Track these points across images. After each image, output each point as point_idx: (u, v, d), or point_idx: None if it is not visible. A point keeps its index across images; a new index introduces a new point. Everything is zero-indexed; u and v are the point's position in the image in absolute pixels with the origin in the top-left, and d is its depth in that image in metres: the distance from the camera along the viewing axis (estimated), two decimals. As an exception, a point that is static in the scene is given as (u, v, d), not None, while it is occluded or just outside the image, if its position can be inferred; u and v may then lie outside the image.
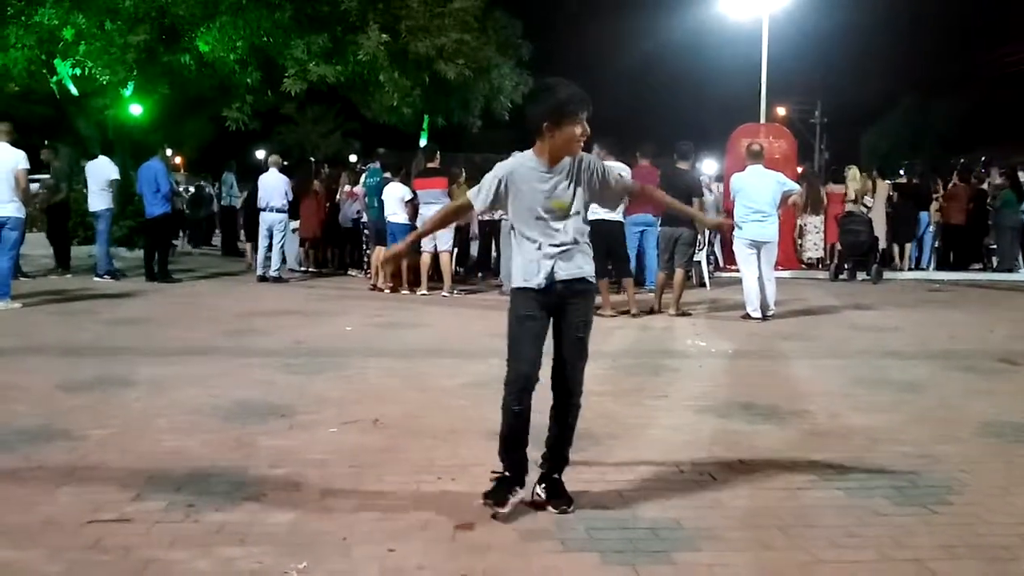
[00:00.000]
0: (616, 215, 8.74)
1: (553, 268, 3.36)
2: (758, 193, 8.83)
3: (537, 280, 3.36)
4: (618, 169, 9.18)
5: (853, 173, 14.51)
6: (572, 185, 3.40)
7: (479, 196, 3.49)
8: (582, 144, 3.38)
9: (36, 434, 4.36)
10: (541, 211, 3.36)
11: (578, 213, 3.42)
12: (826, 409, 5.15)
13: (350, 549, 3.06)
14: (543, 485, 3.48)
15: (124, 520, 3.26)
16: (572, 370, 3.43)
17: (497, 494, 3.35)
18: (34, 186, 12.58)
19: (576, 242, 3.40)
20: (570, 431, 3.50)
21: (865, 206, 13.69)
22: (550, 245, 3.37)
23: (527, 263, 3.39)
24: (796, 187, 9.64)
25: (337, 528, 3.22)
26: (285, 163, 13.44)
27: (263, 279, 12.19)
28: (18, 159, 8.89)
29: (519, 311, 3.38)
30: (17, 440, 4.27)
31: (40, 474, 3.78)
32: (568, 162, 3.40)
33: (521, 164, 3.42)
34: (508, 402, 3.36)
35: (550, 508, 3.41)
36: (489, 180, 3.46)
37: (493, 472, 3.44)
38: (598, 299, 9.26)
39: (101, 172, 12.03)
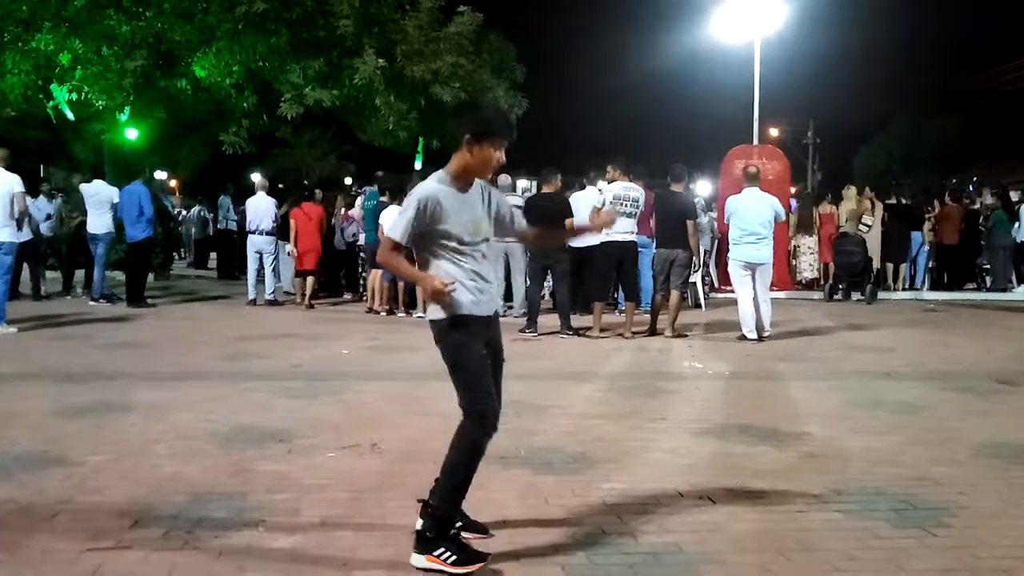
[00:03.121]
0: (630, 235, 8.83)
1: (494, 296, 3.35)
2: (752, 215, 8.89)
3: (486, 309, 3.27)
4: (634, 191, 9.25)
5: (850, 193, 14.57)
6: (485, 210, 3.30)
7: (399, 229, 3.13)
8: (493, 172, 3.32)
9: (33, 461, 4.35)
10: (467, 236, 3.18)
11: (488, 240, 3.29)
12: (824, 431, 5.16)
13: (350, 576, 3.05)
14: (459, 524, 3.27)
15: (123, 547, 3.25)
16: (500, 392, 3.37)
17: (472, 554, 3.12)
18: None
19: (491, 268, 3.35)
20: None
21: (865, 225, 13.75)
22: (482, 273, 3.23)
23: (465, 291, 3.18)
24: (783, 215, 9.74)
25: (337, 554, 3.22)
26: (279, 186, 13.42)
27: (254, 303, 12.15)
28: (13, 183, 8.90)
29: (473, 344, 3.20)
30: (14, 467, 4.25)
31: (37, 501, 3.76)
32: (479, 186, 3.30)
33: (439, 187, 3.17)
34: (482, 442, 3.17)
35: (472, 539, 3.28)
36: (409, 208, 3.13)
37: (453, 531, 3.18)
38: (588, 320, 9.28)
39: (101, 195, 11.97)
